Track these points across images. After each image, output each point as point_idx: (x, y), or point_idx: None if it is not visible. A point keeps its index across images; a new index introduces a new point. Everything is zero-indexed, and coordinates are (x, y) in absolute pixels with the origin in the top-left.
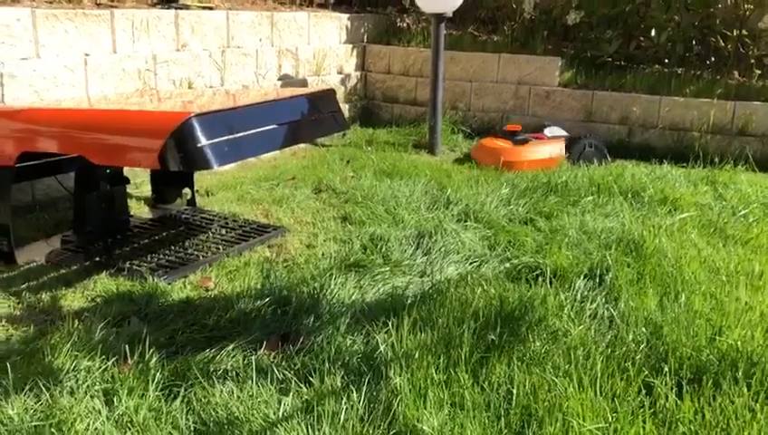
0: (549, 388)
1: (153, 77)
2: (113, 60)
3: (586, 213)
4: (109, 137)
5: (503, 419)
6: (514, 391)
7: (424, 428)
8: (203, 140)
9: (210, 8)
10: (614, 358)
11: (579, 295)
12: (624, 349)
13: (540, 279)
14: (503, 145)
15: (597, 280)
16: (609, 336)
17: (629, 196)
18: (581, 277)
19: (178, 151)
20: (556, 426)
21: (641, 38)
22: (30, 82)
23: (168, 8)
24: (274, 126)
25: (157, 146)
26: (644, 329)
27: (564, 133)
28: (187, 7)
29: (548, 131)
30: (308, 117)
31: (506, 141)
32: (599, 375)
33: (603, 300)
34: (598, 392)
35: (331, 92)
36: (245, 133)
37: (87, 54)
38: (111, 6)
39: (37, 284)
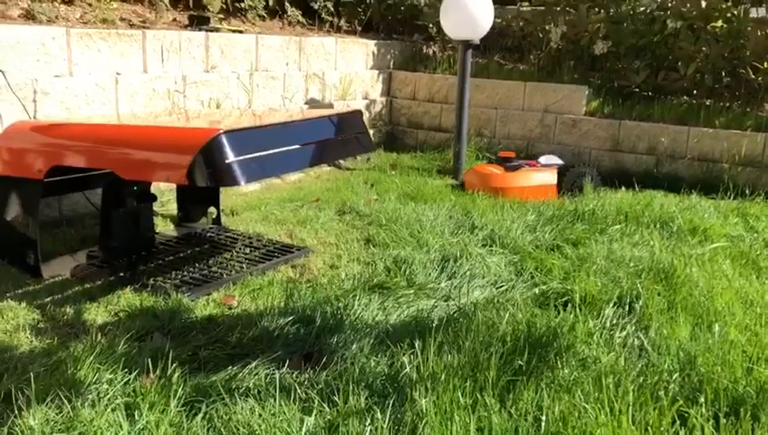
0: (579, 415)
1: (182, 97)
2: (143, 79)
3: (614, 241)
4: (138, 152)
5: None
6: (543, 418)
7: None
8: (231, 157)
9: (240, 32)
10: (646, 387)
11: (608, 323)
12: (656, 378)
13: (568, 306)
14: (493, 171)
15: (626, 308)
16: (640, 365)
17: (658, 225)
18: (611, 305)
19: (207, 167)
20: None
21: (669, 69)
22: (62, 99)
23: (198, 30)
24: (302, 145)
25: (185, 162)
26: (676, 358)
27: (559, 162)
28: (217, 30)
29: (543, 159)
30: (335, 137)
31: (498, 168)
32: (631, 403)
33: (633, 328)
34: (630, 421)
35: (357, 113)
36: (273, 151)
37: (118, 73)
38: (144, 27)
39: (62, 297)
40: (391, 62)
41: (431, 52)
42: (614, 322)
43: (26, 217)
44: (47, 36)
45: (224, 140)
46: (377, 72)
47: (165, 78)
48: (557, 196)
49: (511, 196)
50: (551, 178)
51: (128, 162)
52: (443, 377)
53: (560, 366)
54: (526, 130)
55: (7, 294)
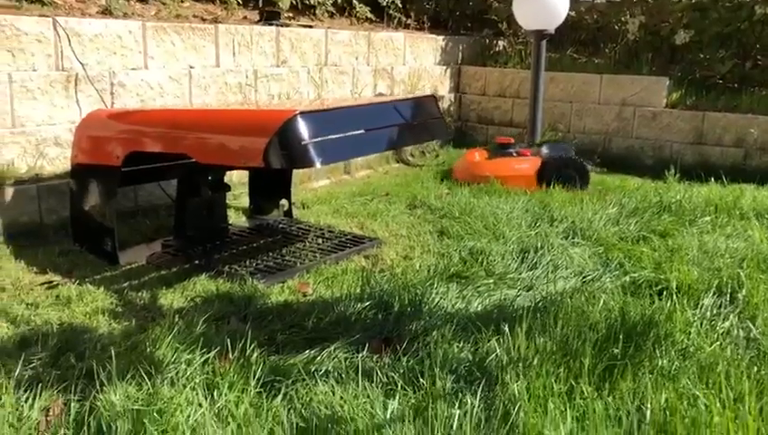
0: (688, 404)
1: (253, 91)
2: (216, 73)
3: (704, 233)
4: (213, 136)
5: (636, 433)
6: (648, 407)
7: None
8: (307, 138)
9: (310, 26)
10: (761, 378)
11: (708, 313)
12: None
13: (662, 295)
14: (475, 158)
15: (727, 298)
16: (749, 355)
17: (752, 217)
18: (710, 294)
19: (282, 149)
20: None
21: (758, 57)
22: (137, 91)
23: (269, 25)
24: (378, 128)
25: (262, 144)
26: None
27: (568, 153)
28: (287, 25)
29: (545, 148)
30: (410, 121)
31: (483, 154)
32: (746, 393)
33: (737, 318)
34: (749, 411)
35: (432, 99)
36: (348, 134)
37: (191, 67)
38: (216, 22)
39: (138, 283)
40: (460, 58)
41: (501, 46)
42: (714, 311)
43: (104, 204)
44: (123, 30)
45: (300, 120)
46: (445, 67)
47: (236, 72)
48: (535, 187)
49: (489, 183)
50: (530, 167)
51: (203, 146)
52: (535, 362)
53: (658, 355)
54: (603, 123)
55: (86, 279)
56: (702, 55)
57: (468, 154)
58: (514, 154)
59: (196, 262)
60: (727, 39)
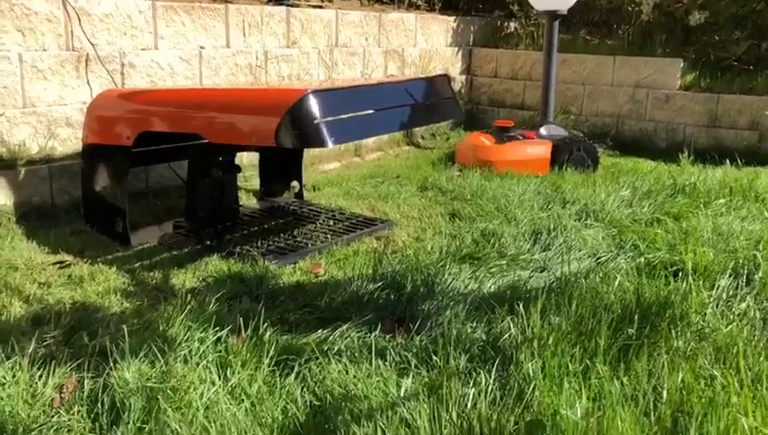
0: (705, 384)
1: (263, 73)
2: (226, 54)
3: (719, 215)
4: (224, 115)
5: (652, 414)
6: (665, 386)
7: (568, 415)
8: (319, 117)
9: (320, 7)
10: None
11: (724, 294)
12: None
13: (677, 276)
14: (483, 142)
15: (744, 279)
16: (766, 336)
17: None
18: (726, 276)
19: (294, 128)
20: (719, 424)
21: None
22: (147, 71)
23: (279, 5)
24: (391, 108)
25: (273, 123)
26: None
27: (564, 133)
28: (297, 5)
29: (543, 130)
30: (423, 101)
31: (490, 138)
32: (764, 374)
33: (753, 300)
34: (766, 392)
35: (445, 78)
36: (361, 113)
37: (202, 47)
38: (226, 2)
39: (150, 263)
40: (471, 39)
41: (512, 28)
42: (730, 293)
43: (115, 184)
44: (134, 9)
45: (312, 99)
46: (457, 48)
47: (247, 53)
48: (548, 171)
49: (500, 169)
50: (544, 151)
51: (215, 125)
52: (550, 341)
53: (674, 336)
54: (616, 106)
55: (98, 259)
56: (717, 37)
57: (472, 138)
58: (520, 138)
59: (208, 243)
60: (743, 20)
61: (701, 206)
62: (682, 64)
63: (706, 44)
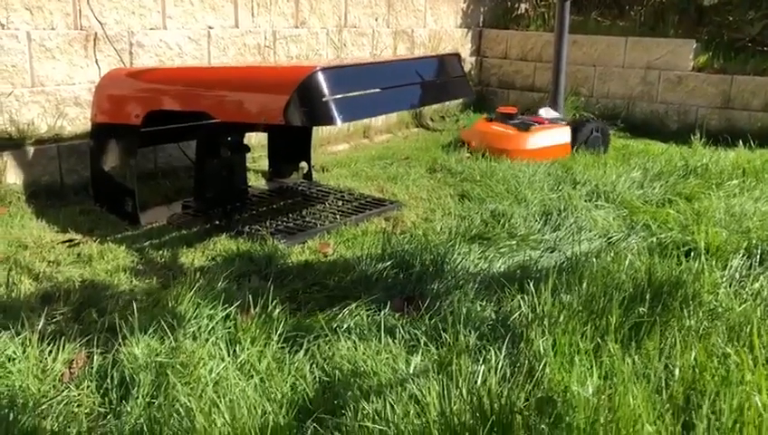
0: (718, 363)
1: (272, 53)
2: (234, 34)
3: (732, 197)
4: (233, 93)
5: (664, 392)
6: (677, 364)
7: (580, 392)
8: (328, 95)
9: None
10: None
11: (737, 274)
12: None
13: (689, 256)
14: (505, 131)
15: (757, 259)
16: None
17: None
18: (739, 256)
19: (303, 105)
20: (732, 402)
21: None
22: (156, 51)
23: None
24: (401, 86)
25: (282, 101)
26: None
27: (558, 115)
28: None
29: (543, 112)
30: (434, 79)
31: (506, 126)
32: None
33: (767, 280)
34: None
35: (455, 57)
36: (371, 91)
37: (210, 27)
38: None
39: (159, 242)
40: (481, 20)
41: (523, 9)
42: (743, 273)
43: (125, 164)
44: None
45: (321, 76)
46: (466, 30)
47: (255, 33)
48: (569, 154)
49: (525, 157)
50: (566, 135)
51: (223, 104)
52: (561, 318)
53: (686, 315)
54: (627, 88)
55: (107, 238)
56: (731, 17)
57: (484, 126)
58: (535, 124)
59: (217, 222)
60: (757, 0)
61: (713, 187)
62: (695, 45)
63: (720, 25)
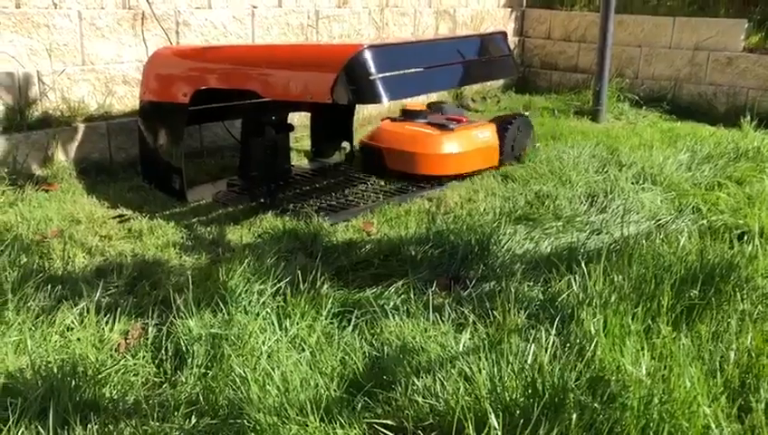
0: None
1: (314, 32)
2: (278, 13)
3: None
4: (280, 72)
5: (718, 374)
6: (732, 347)
7: (633, 371)
8: (375, 73)
9: None
10: None
11: None
12: None
13: (742, 240)
14: (425, 131)
15: None
16: None
17: None
18: None
19: (350, 84)
20: None
21: None
22: (201, 30)
23: None
24: (446, 64)
25: (329, 79)
26: None
27: (461, 110)
28: None
29: (448, 109)
30: (479, 58)
31: (424, 126)
32: None
33: None
34: None
35: (502, 35)
36: (417, 69)
37: (254, 7)
38: None
39: (206, 219)
40: (524, 0)
41: None
42: None
43: (172, 142)
44: None
45: (368, 54)
46: (509, 9)
47: (298, 12)
48: (498, 163)
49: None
50: (492, 135)
51: (270, 82)
52: (612, 299)
53: (739, 299)
54: (673, 69)
55: (156, 214)
56: None
57: (393, 126)
58: (454, 123)
59: (262, 200)
60: None
61: (766, 170)
62: (746, 25)
63: None
